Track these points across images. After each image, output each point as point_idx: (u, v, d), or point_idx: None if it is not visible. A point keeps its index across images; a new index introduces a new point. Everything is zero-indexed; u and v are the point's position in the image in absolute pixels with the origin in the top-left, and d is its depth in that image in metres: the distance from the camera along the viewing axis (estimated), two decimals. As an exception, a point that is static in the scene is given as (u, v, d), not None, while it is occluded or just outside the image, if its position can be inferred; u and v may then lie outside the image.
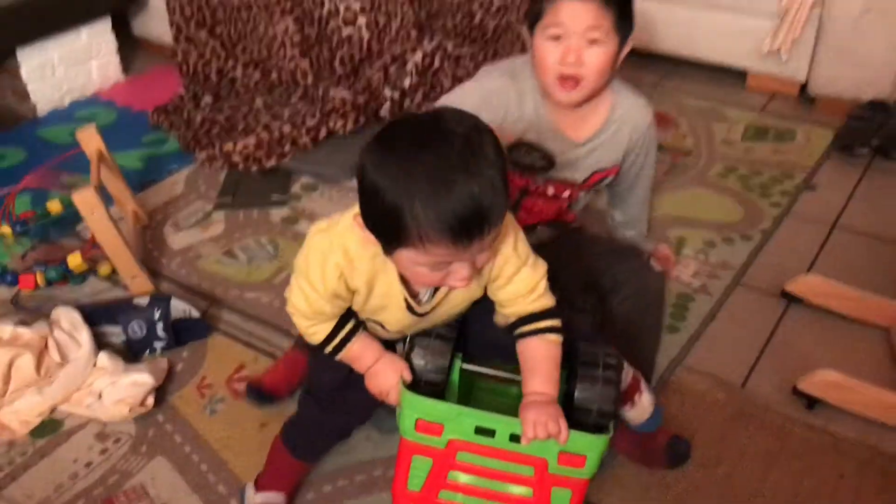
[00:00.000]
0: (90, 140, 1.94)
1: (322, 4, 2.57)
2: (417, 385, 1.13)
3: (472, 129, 0.96)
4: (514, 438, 1.07)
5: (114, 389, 1.53)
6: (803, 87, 2.56)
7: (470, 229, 0.93)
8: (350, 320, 1.16)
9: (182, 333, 1.69)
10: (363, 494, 1.38)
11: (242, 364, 1.66)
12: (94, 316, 1.67)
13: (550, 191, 1.56)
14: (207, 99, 2.60)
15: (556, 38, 1.36)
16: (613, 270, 1.57)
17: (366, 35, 2.62)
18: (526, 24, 1.44)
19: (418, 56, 2.54)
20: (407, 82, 2.46)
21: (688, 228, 2.01)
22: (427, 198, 0.91)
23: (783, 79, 2.58)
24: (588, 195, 1.63)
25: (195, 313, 1.69)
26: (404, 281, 1.08)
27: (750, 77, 2.65)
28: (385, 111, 2.42)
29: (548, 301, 1.15)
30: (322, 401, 1.28)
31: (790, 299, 1.75)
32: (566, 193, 1.58)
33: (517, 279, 1.13)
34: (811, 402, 1.51)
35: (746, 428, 1.48)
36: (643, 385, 1.40)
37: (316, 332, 1.15)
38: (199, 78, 2.72)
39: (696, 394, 1.55)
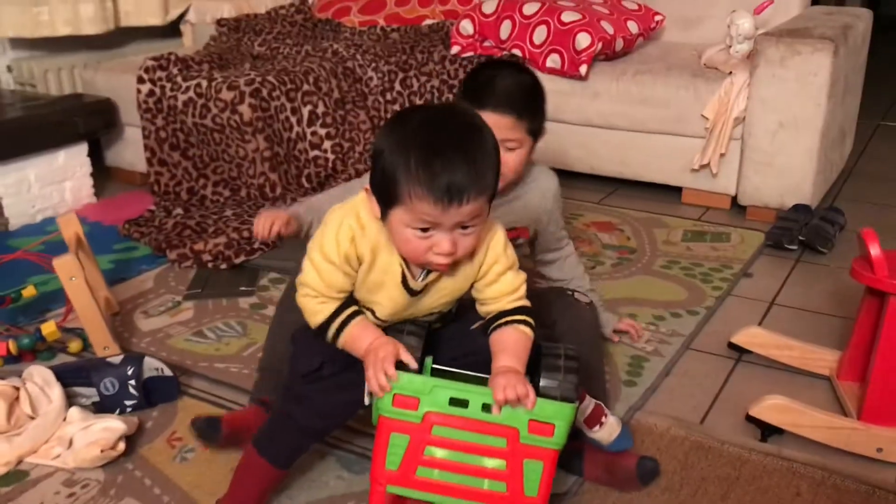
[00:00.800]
0: (69, 224, 2.03)
1: (290, 128, 2.78)
2: None
3: (474, 124, 1.15)
4: (486, 408, 1.13)
5: (85, 433, 1.53)
6: (734, 199, 2.80)
7: (451, 192, 1.07)
8: (352, 305, 1.23)
9: (153, 393, 1.71)
10: (336, 523, 1.39)
11: (213, 420, 1.67)
12: (66, 376, 1.68)
13: None
14: (178, 211, 2.72)
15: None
16: (545, 311, 1.67)
17: (331, 157, 2.82)
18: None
19: (380, 171, 2.72)
20: (370, 191, 2.63)
21: (637, 307, 2.13)
22: (421, 158, 1.08)
23: (715, 193, 2.82)
24: None
25: (168, 372, 1.72)
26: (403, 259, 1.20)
27: (685, 192, 2.89)
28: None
29: (525, 303, 1.26)
30: (297, 394, 1.33)
31: (738, 351, 1.86)
32: None
33: (503, 279, 1.25)
34: (764, 435, 1.58)
35: (706, 458, 1.54)
36: (606, 409, 1.47)
37: (321, 311, 1.21)
38: (171, 197, 2.86)
39: (657, 432, 1.61)
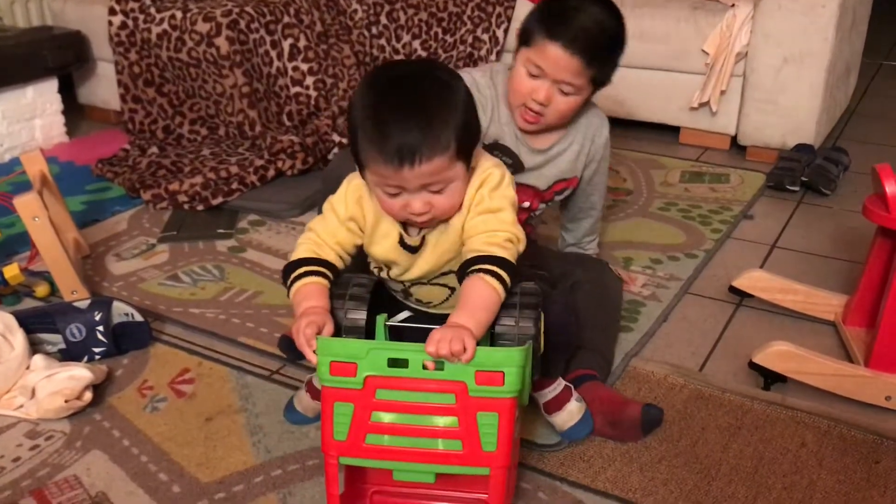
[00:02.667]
0: (33, 162, 1.91)
1: (270, 63, 2.64)
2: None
3: (442, 82, 1.11)
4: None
5: (49, 383, 1.44)
6: (734, 139, 2.69)
7: (402, 154, 1.05)
8: (330, 268, 1.21)
9: (123, 340, 1.62)
10: (316, 476, 1.31)
11: (187, 368, 1.59)
12: (30, 322, 1.58)
13: None
14: (153, 149, 2.60)
15: (534, 75, 1.43)
16: (574, 273, 1.62)
17: (313, 93, 2.69)
18: (517, 37, 1.49)
19: (365, 109, 2.61)
20: (354, 129, 2.52)
21: (634, 250, 2.04)
22: (374, 120, 1.07)
23: (714, 132, 2.72)
24: (546, 207, 1.67)
25: (138, 317, 1.63)
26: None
27: (683, 132, 2.78)
28: (333, 155, 2.45)
29: (503, 253, 1.15)
30: None
31: (739, 296, 1.78)
32: (526, 203, 1.62)
33: (481, 219, 1.16)
34: (767, 383, 1.51)
35: (706, 406, 1.46)
36: (574, 394, 1.37)
37: (300, 251, 1.21)
38: (146, 135, 2.73)
39: (654, 380, 1.53)
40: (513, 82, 1.48)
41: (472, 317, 1.09)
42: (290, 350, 1.51)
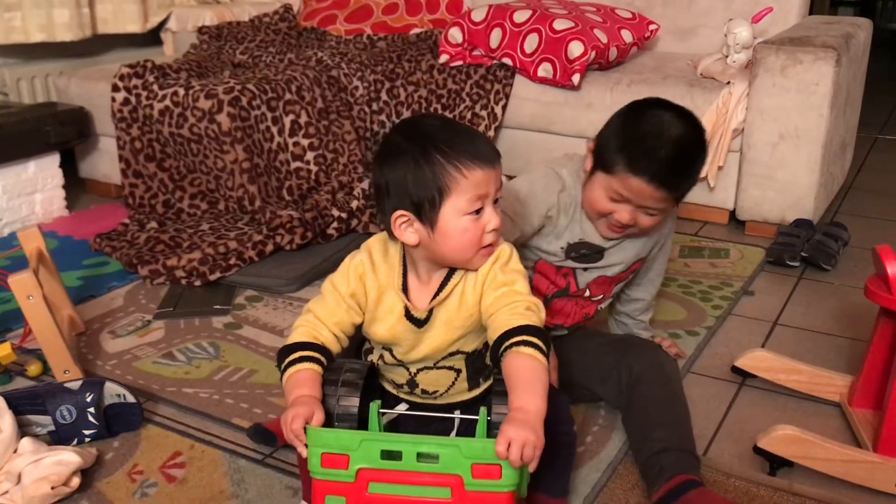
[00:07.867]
0: (30, 239, 1.90)
1: (271, 139, 2.66)
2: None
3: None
4: (421, 457, 1.02)
5: (35, 468, 1.40)
6: (732, 213, 2.70)
7: (490, 154, 1.13)
8: (324, 354, 1.18)
9: (114, 421, 1.59)
10: None
11: (178, 451, 1.55)
12: (19, 403, 1.55)
13: (587, 293, 1.60)
14: (152, 224, 2.60)
15: (616, 200, 1.40)
16: (627, 363, 1.52)
17: (314, 168, 2.70)
18: (593, 148, 1.44)
19: (365, 184, 2.62)
20: (354, 204, 2.52)
21: (634, 327, 2.02)
22: (444, 138, 1.12)
23: (713, 207, 2.72)
24: (613, 295, 1.67)
25: (130, 398, 1.59)
26: (406, 293, 1.20)
27: (681, 206, 2.76)
28: (332, 229, 2.45)
29: (528, 320, 1.14)
30: None
31: (742, 376, 1.75)
32: (600, 295, 1.62)
33: (497, 294, 1.18)
34: (773, 468, 1.47)
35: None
36: None
37: (296, 336, 1.19)
38: (146, 210, 2.74)
39: (657, 464, 1.49)
40: (593, 201, 1.44)
41: (531, 393, 1.05)
42: (263, 441, 1.53)
